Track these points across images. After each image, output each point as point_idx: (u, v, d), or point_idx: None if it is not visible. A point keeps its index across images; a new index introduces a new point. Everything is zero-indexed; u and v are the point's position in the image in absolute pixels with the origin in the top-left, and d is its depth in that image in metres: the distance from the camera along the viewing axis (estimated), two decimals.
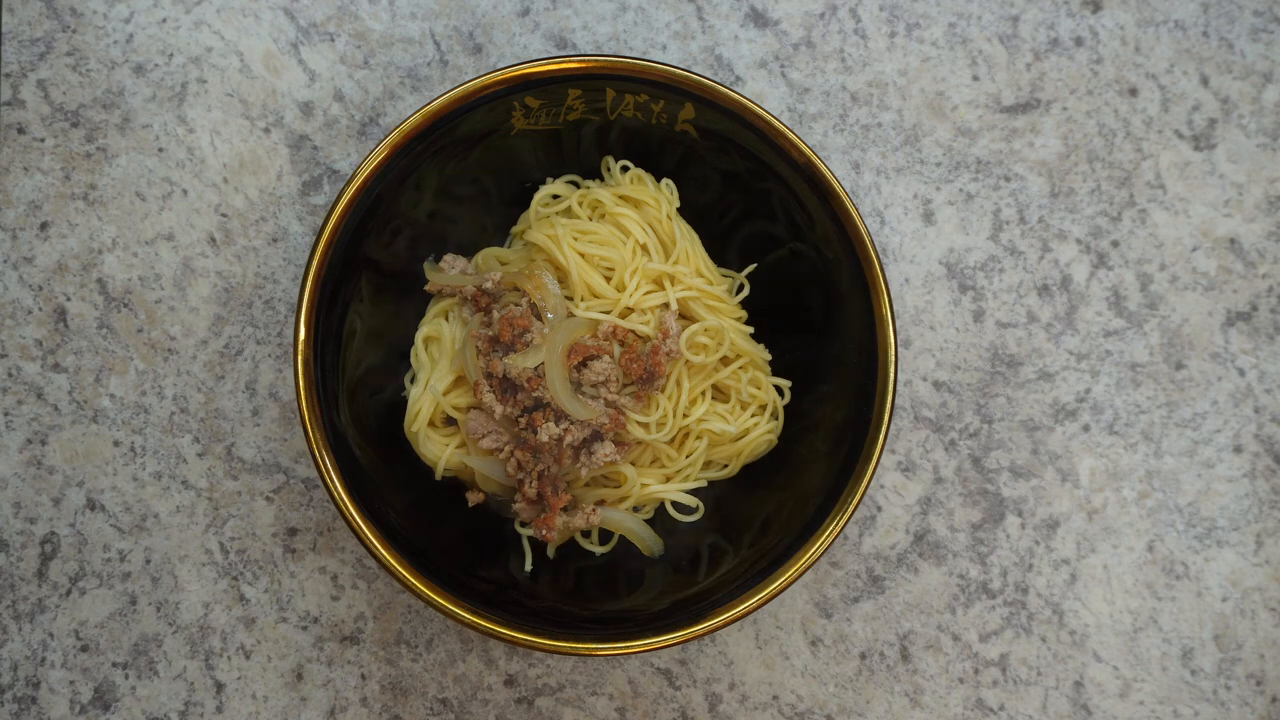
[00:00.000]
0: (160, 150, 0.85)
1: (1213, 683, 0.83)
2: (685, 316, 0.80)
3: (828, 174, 0.74)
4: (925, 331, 0.86)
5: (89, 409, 0.83)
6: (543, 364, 0.76)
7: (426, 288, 0.80)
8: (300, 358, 0.71)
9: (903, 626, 0.83)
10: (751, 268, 0.82)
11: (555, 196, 0.82)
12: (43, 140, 0.85)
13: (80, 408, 0.83)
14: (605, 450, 0.76)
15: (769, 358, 0.81)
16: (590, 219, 0.81)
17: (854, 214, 0.73)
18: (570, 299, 0.79)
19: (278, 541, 0.83)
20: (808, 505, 0.74)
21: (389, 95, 0.86)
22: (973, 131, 0.87)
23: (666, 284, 0.79)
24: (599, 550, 0.80)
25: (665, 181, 0.81)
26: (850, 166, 0.87)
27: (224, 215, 0.85)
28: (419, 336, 0.80)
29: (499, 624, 0.70)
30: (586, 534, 0.80)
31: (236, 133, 0.86)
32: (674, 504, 0.79)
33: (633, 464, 0.79)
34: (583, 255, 0.80)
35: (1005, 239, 0.87)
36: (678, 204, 0.81)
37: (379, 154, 0.73)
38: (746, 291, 0.82)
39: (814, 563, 0.71)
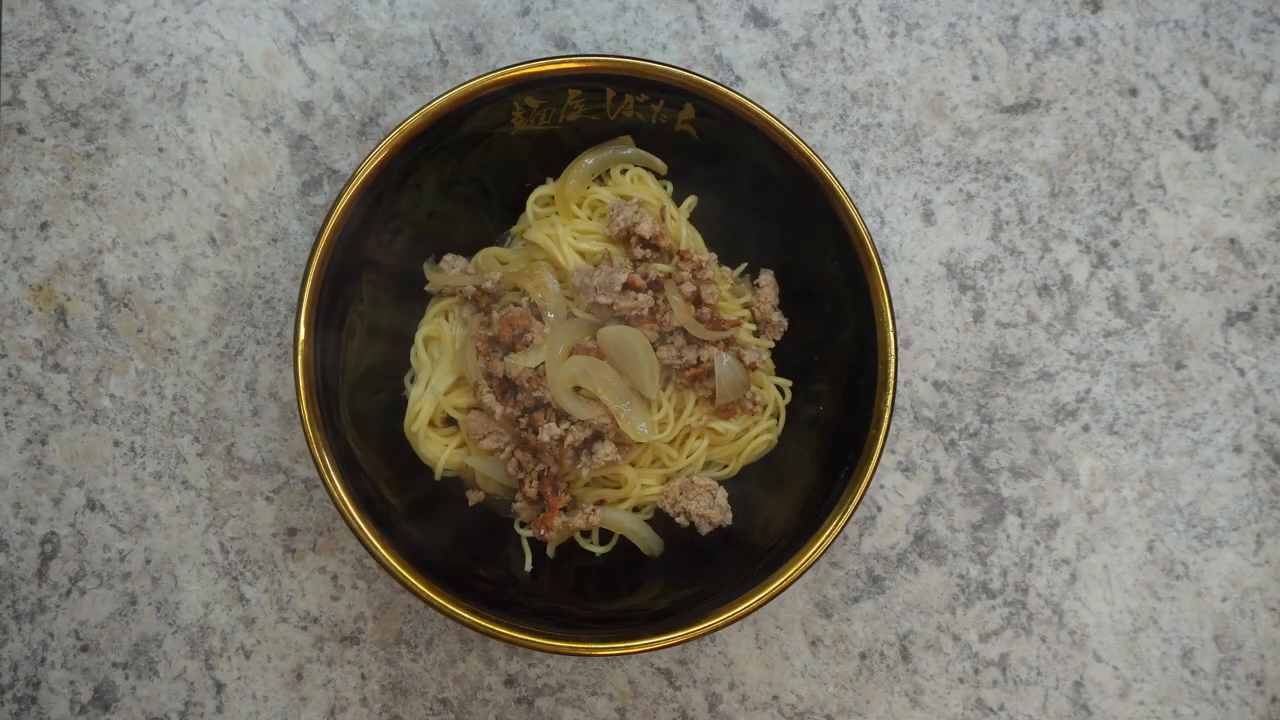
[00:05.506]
0: (160, 150, 0.85)
1: (1213, 683, 0.83)
2: None
3: (828, 174, 0.74)
4: (925, 331, 0.86)
5: (89, 409, 0.83)
6: (543, 364, 0.76)
7: (426, 288, 0.80)
8: (300, 358, 0.71)
9: (903, 626, 0.83)
10: (744, 266, 0.82)
11: (551, 198, 0.82)
12: (43, 140, 0.85)
13: (80, 408, 0.83)
14: (606, 450, 0.76)
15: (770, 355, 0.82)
16: (590, 219, 0.81)
17: (854, 214, 0.73)
18: (570, 299, 0.79)
19: (278, 541, 0.83)
20: (808, 505, 0.74)
21: (389, 95, 0.86)
22: (973, 131, 0.87)
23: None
24: (599, 550, 0.80)
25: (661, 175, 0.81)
26: (850, 166, 0.87)
27: (224, 215, 0.85)
28: (419, 336, 0.80)
29: (499, 624, 0.70)
30: (586, 534, 0.80)
31: (236, 133, 0.86)
32: None
33: (633, 464, 0.79)
34: (582, 254, 0.80)
35: (1005, 239, 0.87)
36: (691, 207, 0.81)
37: (379, 154, 0.73)
38: (749, 295, 0.82)
39: (814, 563, 0.71)
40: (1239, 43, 0.88)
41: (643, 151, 0.80)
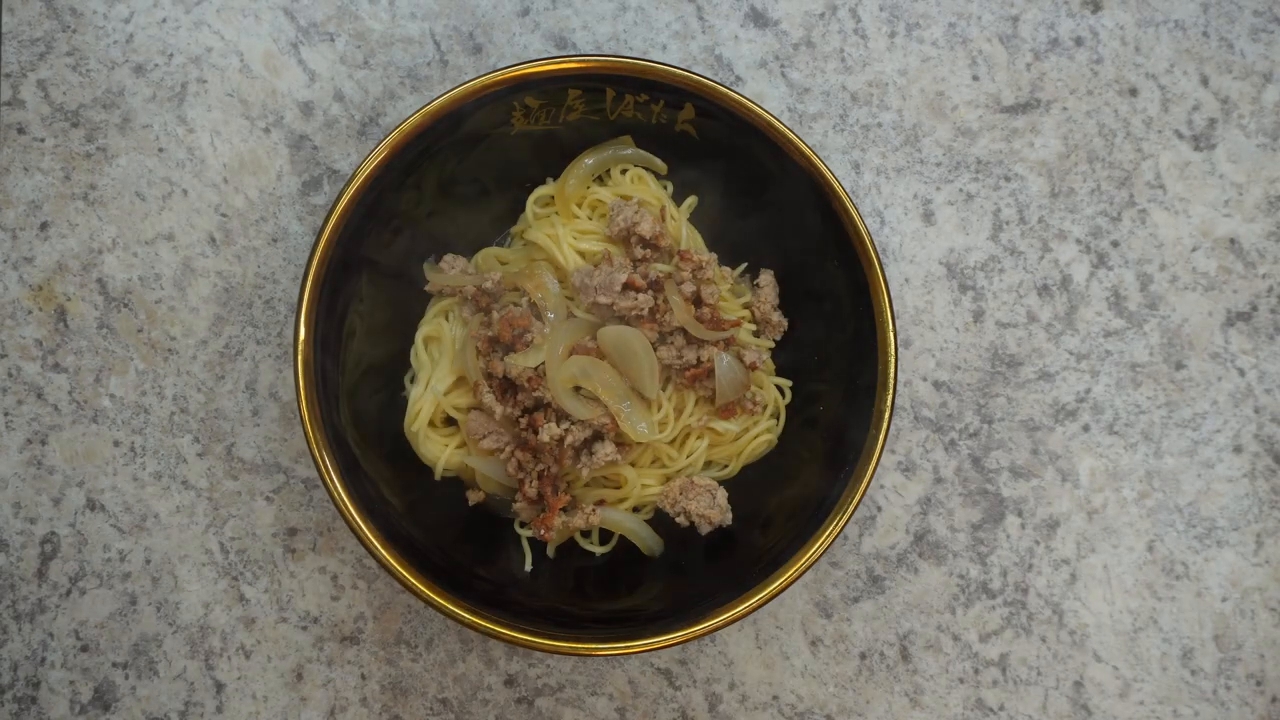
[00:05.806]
0: (160, 150, 0.85)
1: (1213, 683, 0.83)
2: None
3: (828, 174, 0.74)
4: (925, 331, 0.86)
5: (89, 409, 0.83)
6: (543, 364, 0.76)
7: (426, 288, 0.80)
8: (300, 358, 0.71)
9: (903, 626, 0.83)
10: (744, 266, 0.82)
11: (551, 198, 0.82)
12: (43, 140, 0.85)
13: (80, 408, 0.83)
14: (606, 450, 0.76)
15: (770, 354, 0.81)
16: (590, 219, 0.81)
17: (854, 214, 0.73)
18: (570, 299, 0.79)
19: (278, 541, 0.83)
20: (808, 505, 0.74)
21: (389, 95, 0.86)
22: (973, 131, 0.87)
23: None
24: (599, 550, 0.80)
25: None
26: (850, 166, 0.87)
27: (224, 215, 0.85)
28: (419, 336, 0.80)
29: (499, 624, 0.70)
30: (586, 534, 0.80)
31: (236, 133, 0.86)
32: None
33: (633, 464, 0.79)
34: (582, 254, 0.80)
35: (1005, 239, 0.87)
36: (691, 207, 0.81)
37: (379, 154, 0.73)
38: (749, 295, 0.82)
39: (814, 563, 0.71)
40: (1239, 43, 0.88)
41: (643, 151, 0.80)
